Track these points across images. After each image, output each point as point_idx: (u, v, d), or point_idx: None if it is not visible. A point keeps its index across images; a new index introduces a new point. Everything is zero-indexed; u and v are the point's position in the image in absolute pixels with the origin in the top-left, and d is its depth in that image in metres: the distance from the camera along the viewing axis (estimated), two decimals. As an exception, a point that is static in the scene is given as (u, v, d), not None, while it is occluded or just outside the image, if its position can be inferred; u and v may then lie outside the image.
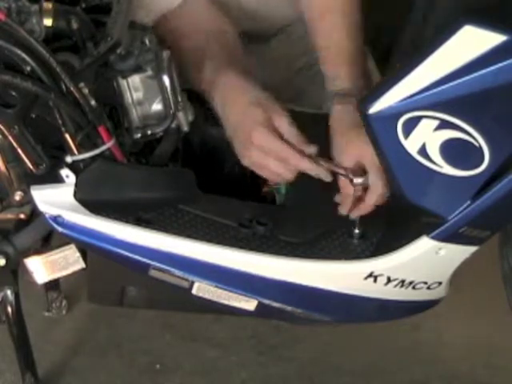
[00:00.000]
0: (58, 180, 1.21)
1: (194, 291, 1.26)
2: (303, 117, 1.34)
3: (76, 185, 1.21)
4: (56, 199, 1.21)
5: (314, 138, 1.23)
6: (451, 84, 1.05)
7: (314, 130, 1.25)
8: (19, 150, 1.18)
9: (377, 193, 1.20)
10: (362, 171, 1.20)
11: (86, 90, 1.15)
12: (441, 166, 1.11)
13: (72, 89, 1.13)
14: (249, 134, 1.20)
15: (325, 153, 1.22)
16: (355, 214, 1.24)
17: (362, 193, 1.21)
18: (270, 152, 1.19)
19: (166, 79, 1.22)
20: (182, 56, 1.29)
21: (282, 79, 1.46)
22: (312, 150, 1.19)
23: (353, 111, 1.20)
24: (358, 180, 1.20)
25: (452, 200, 1.15)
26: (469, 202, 1.14)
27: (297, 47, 1.49)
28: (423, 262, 1.22)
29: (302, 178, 1.29)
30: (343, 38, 1.26)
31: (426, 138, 1.10)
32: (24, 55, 1.11)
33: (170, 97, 1.23)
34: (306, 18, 1.33)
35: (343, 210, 1.24)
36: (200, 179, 1.27)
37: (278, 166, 1.20)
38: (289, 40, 1.51)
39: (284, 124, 1.20)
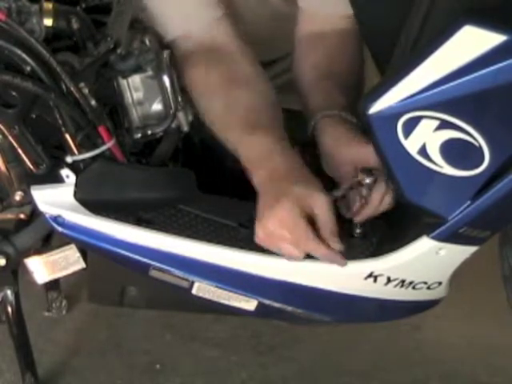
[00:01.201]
0: (58, 180, 1.21)
1: (194, 291, 1.26)
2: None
3: (76, 185, 1.21)
4: (56, 199, 1.21)
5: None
6: (451, 84, 1.05)
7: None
8: (19, 150, 1.18)
9: (381, 192, 1.21)
10: (368, 171, 1.20)
11: (86, 90, 1.15)
12: (441, 166, 1.11)
13: (72, 89, 1.13)
14: (277, 201, 1.14)
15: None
16: (361, 218, 1.24)
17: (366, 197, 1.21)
18: (285, 227, 1.14)
19: (166, 79, 1.22)
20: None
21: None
22: (339, 247, 1.16)
23: (340, 122, 1.22)
24: (366, 180, 1.20)
25: (452, 200, 1.15)
26: (469, 202, 1.14)
27: None
28: (423, 262, 1.22)
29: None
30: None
31: (426, 138, 1.10)
32: (24, 55, 1.11)
33: (170, 97, 1.23)
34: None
35: (350, 214, 1.24)
36: (200, 179, 1.27)
37: (288, 246, 1.16)
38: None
39: (322, 207, 1.15)
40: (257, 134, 1.21)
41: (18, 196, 1.25)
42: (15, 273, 1.38)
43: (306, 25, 1.38)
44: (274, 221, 1.15)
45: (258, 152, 1.20)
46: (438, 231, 1.18)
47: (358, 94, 1.33)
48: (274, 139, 1.20)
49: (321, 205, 1.15)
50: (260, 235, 1.18)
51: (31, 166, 1.19)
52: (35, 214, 1.30)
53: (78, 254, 1.32)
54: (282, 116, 1.26)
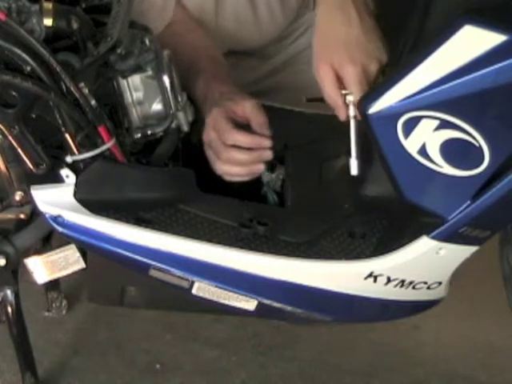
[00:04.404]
0: (58, 180, 1.21)
1: (193, 291, 1.26)
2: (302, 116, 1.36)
3: (76, 185, 1.21)
4: (56, 199, 1.21)
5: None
6: (451, 84, 1.05)
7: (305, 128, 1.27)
8: (19, 150, 1.18)
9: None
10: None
11: (86, 90, 1.15)
12: (441, 166, 1.12)
13: (72, 89, 1.13)
14: (209, 112, 1.28)
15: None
16: None
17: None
18: (213, 128, 1.27)
19: (166, 79, 1.22)
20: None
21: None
22: (267, 132, 1.25)
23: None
24: (350, 98, 1.16)
25: (452, 200, 1.15)
26: (469, 202, 1.14)
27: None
28: (423, 262, 1.22)
29: (302, 177, 1.30)
30: None
31: (426, 138, 1.10)
32: (24, 55, 1.11)
33: (170, 97, 1.23)
34: None
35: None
36: (200, 179, 1.27)
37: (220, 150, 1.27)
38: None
39: (247, 108, 1.27)
40: (198, 80, 1.35)
41: (18, 196, 1.25)
42: (15, 273, 1.39)
43: None
44: (208, 127, 1.28)
45: (200, 91, 1.35)
46: (437, 231, 1.18)
47: None
48: (210, 78, 1.35)
49: (247, 108, 1.27)
50: (204, 141, 1.30)
51: (31, 166, 1.19)
52: (35, 214, 1.30)
53: (77, 254, 1.32)
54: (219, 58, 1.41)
